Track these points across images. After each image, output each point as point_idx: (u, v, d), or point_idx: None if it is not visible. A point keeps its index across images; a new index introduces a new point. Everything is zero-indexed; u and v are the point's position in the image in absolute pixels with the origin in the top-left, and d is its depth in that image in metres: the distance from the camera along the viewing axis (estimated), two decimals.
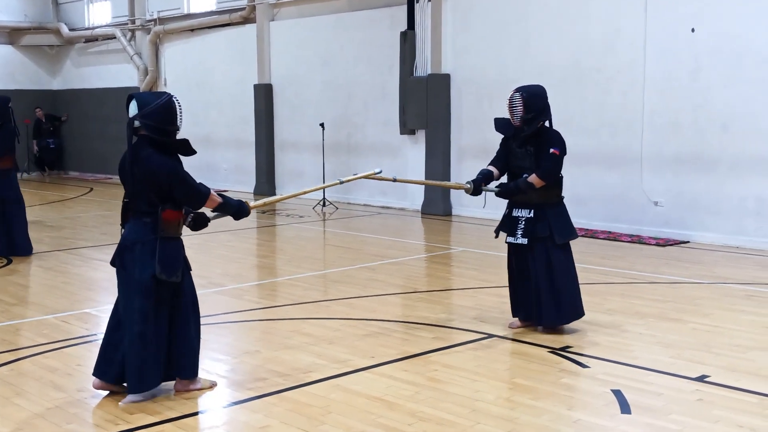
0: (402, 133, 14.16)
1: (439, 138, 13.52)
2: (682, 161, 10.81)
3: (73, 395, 5.08)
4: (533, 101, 6.11)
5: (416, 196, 13.99)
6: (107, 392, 5.05)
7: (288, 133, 16.52)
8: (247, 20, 17.02)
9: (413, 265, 9.55)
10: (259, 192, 16.85)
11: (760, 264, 9.27)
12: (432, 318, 6.90)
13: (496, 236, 6.53)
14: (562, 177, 6.32)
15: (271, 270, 9.43)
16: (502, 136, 6.44)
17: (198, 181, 5.01)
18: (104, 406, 4.89)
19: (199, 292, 7.72)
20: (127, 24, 19.75)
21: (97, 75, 21.14)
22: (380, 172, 6.22)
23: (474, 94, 13.11)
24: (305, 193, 6.07)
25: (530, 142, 6.20)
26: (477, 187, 6.31)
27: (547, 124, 6.26)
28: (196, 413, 4.79)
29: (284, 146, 16.66)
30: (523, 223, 6.23)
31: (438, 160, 13.50)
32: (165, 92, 5.09)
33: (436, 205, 13.54)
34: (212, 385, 5.19)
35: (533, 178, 6.12)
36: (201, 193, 4.95)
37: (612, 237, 10.99)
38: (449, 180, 13.30)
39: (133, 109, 4.91)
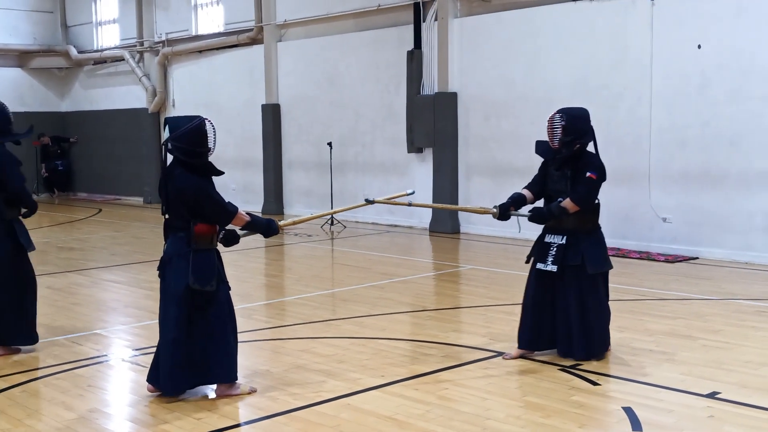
0: (409, 151, 14.20)
1: (446, 156, 13.54)
2: (690, 177, 10.81)
3: (84, 415, 5.09)
4: (574, 123, 5.89)
5: (424, 215, 14.00)
6: (120, 412, 5.06)
7: (296, 153, 16.59)
8: (254, 41, 17.13)
9: (422, 284, 9.55)
10: (266, 211, 16.88)
11: None
12: (441, 336, 6.89)
13: (527, 262, 6.22)
14: (599, 204, 6.06)
15: (280, 289, 9.44)
16: (542, 159, 6.20)
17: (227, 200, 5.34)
18: (113, 427, 4.90)
19: None
20: (135, 46, 19.90)
21: (105, 97, 21.29)
22: (413, 193, 6.27)
23: (481, 112, 13.15)
24: (335, 213, 6.12)
25: (568, 165, 5.97)
26: (504, 211, 6.08)
27: (591, 147, 6.05)
28: None
29: (292, 165, 16.72)
30: (555, 249, 5.97)
31: (446, 178, 13.52)
32: (198, 116, 5.35)
33: (444, 223, 13.55)
34: (252, 391, 5.44)
35: (567, 203, 5.89)
36: (228, 211, 5.28)
37: (621, 254, 10.97)
38: (457, 202, 13.31)
39: (167, 132, 5.26)
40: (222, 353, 5.29)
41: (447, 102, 13.49)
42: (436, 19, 13.59)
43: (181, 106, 19.19)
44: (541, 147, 6.19)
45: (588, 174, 5.89)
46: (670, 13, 10.91)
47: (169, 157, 5.33)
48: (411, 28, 13.95)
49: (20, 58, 21.57)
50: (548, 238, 6.07)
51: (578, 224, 5.95)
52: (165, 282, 5.31)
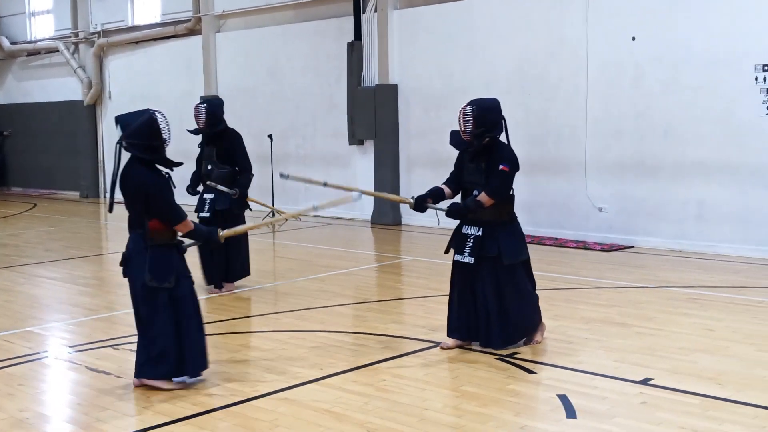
0: (351, 143, 14.19)
1: (387, 148, 13.56)
2: (625, 167, 11.01)
3: (15, 415, 4.97)
4: (485, 115, 5.90)
5: (366, 207, 14.00)
6: (48, 413, 4.97)
7: None
8: (192, 32, 16.90)
9: (363, 276, 9.56)
10: None
11: (702, 267, 9.47)
12: (381, 328, 6.91)
13: (446, 252, 6.30)
14: (513, 195, 6.11)
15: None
16: (459, 150, 6.23)
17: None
18: (44, 427, 4.80)
19: None
20: (70, 37, 19.46)
21: (40, 89, 20.78)
22: (359, 197, 6.22)
23: (421, 105, 13.19)
24: (275, 222, 6.06)
25: (482, 158, 6.00)
26: (420, 203, 6.10)
27: (503, 138, 6.07)
28: (141, 431, 4.72)
29: None
30: (472, 241, 6.00)
31: (387, 170, 13.54)
32: (147, 110, 5.28)
33: (386, 215, 13.58)
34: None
35: (482, 197, 5.91)
36: (177, 214, 5.28)
37: (558, 243, 11.14)
38: (398, 193, 13.34)
39: (119, 130, 5.21)
40: (190, 348, 5.34)
41: (387, 94, 13.49)
42: (375, 11, 13.58)
43: (117, 99, 18.86)
44: (454, 138, 6.20)
45: (501, 167, 5.90)
46: (605, 5, 11.08)
47: (126, 155, 5.25)
48: (351, 19, 13.92)
49: None
50: (465, 230, 6.11)
51: (494, 215, 5.98)
52: (129, 280, 5.36)
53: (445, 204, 6.16)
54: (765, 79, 9.81)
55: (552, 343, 6.30)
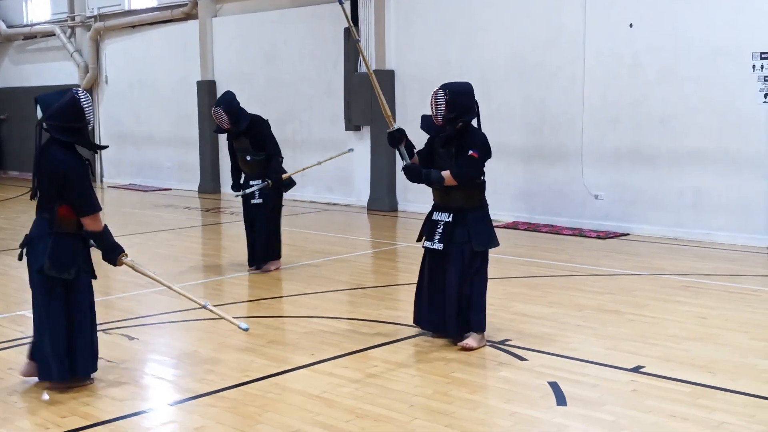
0: (347, 129, 14.15)
1: (384, 134, 13.35)
2: (622, 155, 10.98)
3: (4, 399, 4.96)
4: (457, 99, 5.72)
5: (362, 192, 13.98)
6: (43, 398, 4.96)
7: None
8: (189, 16, 16.82)
9: (359, 262, 9.54)
10: (203, 190, 16.67)
11: (697, 255, 9.46)
12: (374, 314, 6.89)
13: (418, 240, 6.14)
14: (484, 181, 5.95)
15: (214, 269, 9.31)
16: (430, 134, 6.08)
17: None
18: (36, 411, 4.79)
19: (139, 292, 7.74)
20: (66, 21, 19.36)
21: (36, 73, 20.68)
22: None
23: (418, 91, 13.12)
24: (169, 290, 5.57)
25: (452, 143, 5.84)
26: (398, 135, 5.89)
27: (475, 123, 5.93)
28: (130, 415, 4.71)
29: None
30: (442, 227, 5.88)
31: (383, 156, 13.50)
32: (69, 89, 5.03)
33: (382, 201, 13.56)
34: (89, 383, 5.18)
35: (446, 173, 5.73)
36: (89, 204, 4.95)
37: (554, 230, 11.12)
38: (395, 179, 13.30)
39: (39, 112, 4.93)
40: (83, 347, 5.03)
41: (384, 80, 13.42)
42: None
43: (114, 83, 18.80)
44: (425, 122, 6.01)
45: (470, 152, 5.72)
46: None
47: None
48: (348, 4, 13.83)
49: None
50: (435, 216, 5.98)
51: (465, 201, 5.84)
52: (27, 265, 5.05)
53: (410, 161, 5.97)
54: (762, 67, 9.76)
55: (545, 330, 6.29)
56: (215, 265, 9.49)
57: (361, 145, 14.00)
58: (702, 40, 10.18)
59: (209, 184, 16.63)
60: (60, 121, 4.91)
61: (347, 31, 13.81)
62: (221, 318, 5.43)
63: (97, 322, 6.57)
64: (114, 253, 5.11)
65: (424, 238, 6.08)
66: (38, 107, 4.95)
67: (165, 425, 4.59)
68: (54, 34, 19.51)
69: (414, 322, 6.22)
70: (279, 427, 4.45)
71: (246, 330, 5.16)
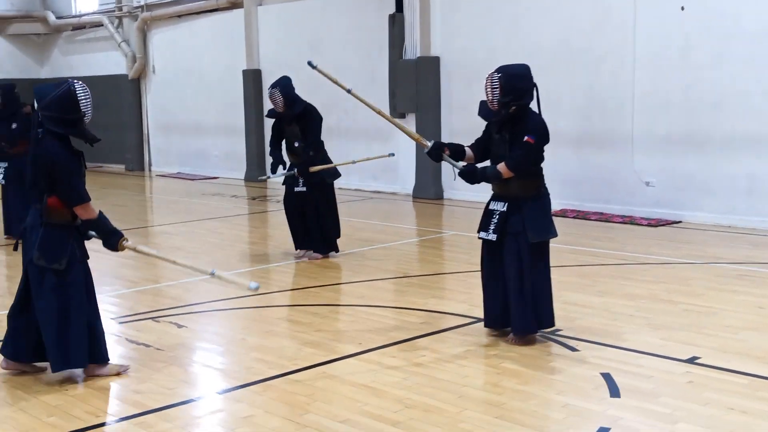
0: (392, 116, 14.03)
1: (429, 121, 13.41)
2: (673, 141, 10.74)
3: (56, 387, 4.99)
4: (512, 82, 5.47)
5: (407, 180, 13.90)
6: (88, 385, 4.99)
7: None
8: (234, 5, 16.85)
9: (404, 250, 9.48)
10: (250, 178, 16.73)
11: (752, 243, 9.22)
12: (421, 303, 6.83)
13: (478, 231, 5.89)
14: (541, 168, 5.69)
15: (261, 257, 9.33)
16: (487, 121, 5.84)
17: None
18: (87, 399, 4.82)
19: (187, 280, 7.78)
20: (114, 11, 19.56)
21: (85, 63, 20.94)
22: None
23: (464, 77, 13.00)
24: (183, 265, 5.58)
25: (507, 128, 5.60)
26: (436, 149, 5.67)
27: (534, 107, 5.69)
28: (179, 403, 4.72)
29: None
30: (497, 217, 5.64)
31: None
32: (66, 81, 5.01)
33: (428, 189, 13.47)
34: (120, 371, 5.16)
35: (502, 167, 5.50)
36: (78, 195, 4.92)
37: (604, 218, 10.93)
38: (440, 170, 13.18)
39: (35, 102, 4.94)
40: (76, 339, 4.95)
41: (429, 67, 13.33)
42: None
43: (161, 73, 18.95)
44: (483, 108, 5.80)
45: (526, 138, 5.47)
46: None
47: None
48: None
49: None
50: (492, 205, 5.76)
51: (521, 190, 5.59)
52: (22, 256, 5.08)
53: (463, 163, 5.77)
54: None
55: (596, 320, 6.17)
56: (262, 253, 9.52)
57: None
58: (754, 21, 9.89)
59: (255, 172, 16.66)
60: (54, 112, 4.88)
61: (391, 17, 13.72)
62: (231, 282, 5.39)
63: (147, 310, 6.65)
64: (114, 238, 5.08)
65: (479, 228, 5.88)
66: (35, 98, 4.95)
67: (214, 414, 4.59)
68: (102, 25, 19.73)
69: (485, 324, 5.90)
70: (327, 417, 4.42)
71: (256, 289, 4.98)
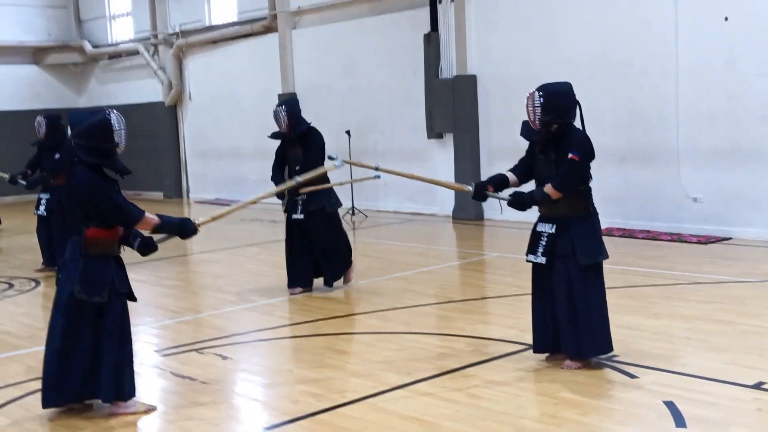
0: (429, 137, 13.92)
1: (467, 141, 13.26)
2: (720, 154, 10.46)
3: (101, 424, 4.89)
4: (554, 100, 5.36)
5: (446, 201, 13.72)
6: (134, 421, 4.88)
7: None
8: (269, 29, 16.88)
9: (447, 273, 9.31)
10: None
11: None
12: (469, 329, 6.65)
13: (527, 254, 5.64)
14: (590, 187, 5.52)
15: None
16: (530, 140, 5.73)
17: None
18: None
19: (229, 309, 7.69)
20: (149, 39, 19.72)
21: (122, 91, 21.12)
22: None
23: (501, 94, 12.84)
24: (253, 202, 5.85)
25: (551, 147, 5.47)
26: (479, 190, 5.61)
27: (578, 124, 5.56)
28: None
29: None
30: (545, 239, 5.47)
31: (467, 163, 13.24)
32: (102, 110, 4.95)
33: (468, 210, 13.27)
34: (148, 410, 5.02)
35: (549, 188, 5.37)
36: (130, 213, 4.85)
37: (651, 236, 10.66)
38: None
39: (69, 130, 4.91)
40: (107, 370, 4.86)
41: (466, 85, 13.19)
42: (452, 0, 13.27)
43: (197, 99, 19.03)
44: (525, 128, 5.67)
45: (570, 155, 5.33)
46: None
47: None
48: (427, 10, 13.63)
49: (35, 54, 21.45)
50: (540, 227, 5.59)
51: (569, 210, 5.42)
52: (57, 288, 4.95)
53: (508, 192, 5.66)
54: None
55: (653, 344, 5.94)
56: None
57: (444, 153, 13.76)
58: None
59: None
60: (86, 140, 4.82)
61: (426, 37, 13.62)
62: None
63: (190, 341, 6.54)
64: (187, 226, 5.08)
65: (528, 251, 5.71)
66: (69, 125, 4.88)
67: None
68: (138, 53, 19.89)
69: (534, 350, 5.71)
70: None
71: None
